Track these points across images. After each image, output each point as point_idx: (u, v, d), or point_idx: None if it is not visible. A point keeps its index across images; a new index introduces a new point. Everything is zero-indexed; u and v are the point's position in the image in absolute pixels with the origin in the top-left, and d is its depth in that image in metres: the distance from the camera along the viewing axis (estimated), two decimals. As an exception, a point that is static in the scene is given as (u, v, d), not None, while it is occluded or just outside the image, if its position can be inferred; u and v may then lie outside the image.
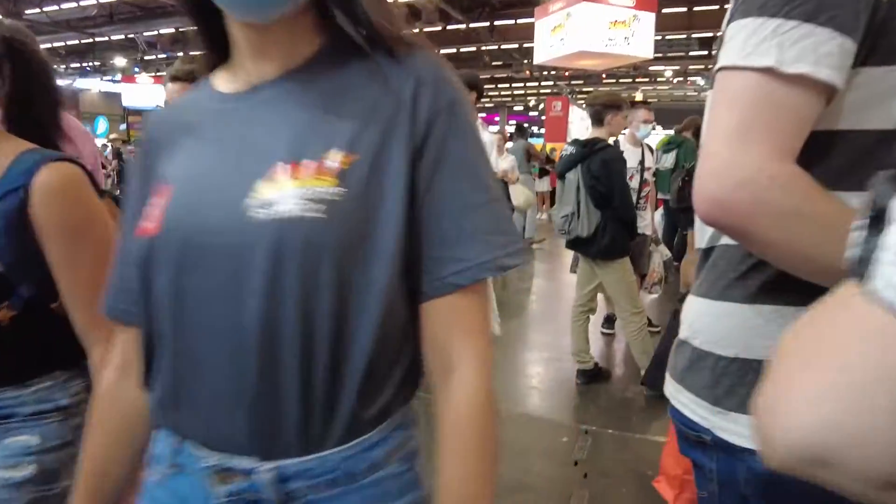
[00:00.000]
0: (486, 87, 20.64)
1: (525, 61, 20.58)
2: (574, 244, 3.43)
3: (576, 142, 3.38)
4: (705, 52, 19.19)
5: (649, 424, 3.05)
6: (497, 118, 32.54)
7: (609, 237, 3.25)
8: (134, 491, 0.72)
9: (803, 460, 0.32)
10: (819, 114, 0.65)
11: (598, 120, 3.34)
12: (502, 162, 6.25)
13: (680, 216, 5.58)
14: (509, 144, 10.92)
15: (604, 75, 20.76)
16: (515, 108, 32.24)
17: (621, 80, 24.45)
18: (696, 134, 5.70)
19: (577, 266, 4.21)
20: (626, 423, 3.09)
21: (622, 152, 3.34)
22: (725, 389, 0.79)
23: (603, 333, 4.52)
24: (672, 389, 0.94)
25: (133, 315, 0.68)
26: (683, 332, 0.94)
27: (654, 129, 4.15)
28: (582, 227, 3.27)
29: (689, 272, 5.45)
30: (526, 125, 16.22)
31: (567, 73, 22.51)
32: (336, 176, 0.59)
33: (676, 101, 25.71)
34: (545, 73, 22.81)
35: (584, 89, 24.89)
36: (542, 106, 15.42)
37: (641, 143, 4.06)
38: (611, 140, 3.34)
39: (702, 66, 20.40)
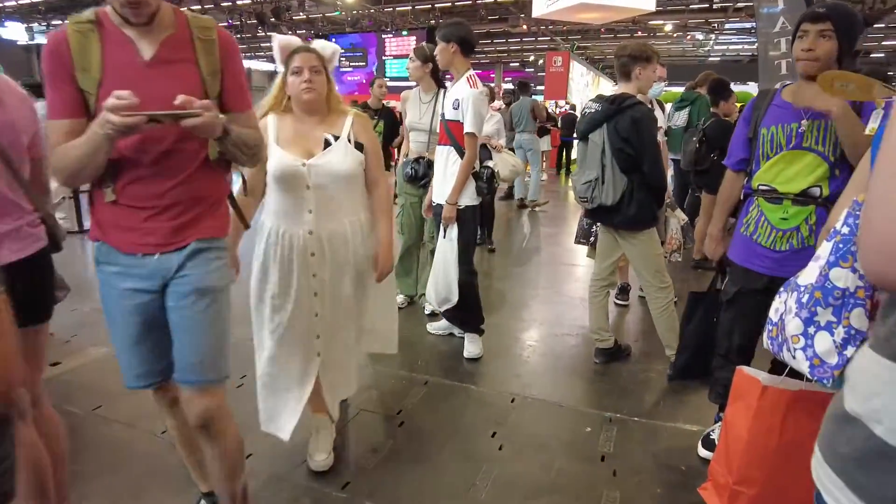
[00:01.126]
0: (481, 41, 19.87)
1: (521, 15, 19.77)
2: (596, 213, 3.05)
3: (601, 98, 2.96)
4: (706, 5, 18.43)
5: (678, 410, 2.75)
6: (493, 74, 31.59)
7: (636, 205, 2.87)
8: None
9: None
10: None
11: (625, 73, 2.91)
12: (486, 125, 5.64)
13: (693, 178, 5.17)
14: (499, 103, 10.36)
15: (602, 30, 19.95)
16: (511, 65, 31.24)
17: (619, 35, 23.59)
18: (713, 90, 5.24)
19: (586, 237, 3.85)
20: (654, 410, 2.78)
21: (653, 110, 2.92)
22: None
23: (617, 304, 4.19)
24: (823, 474, 0.69)
25: None
26: (854, 403, 0.67)
27: (665, 86, 3.72)
28: (606, 194, 2.89)
29: (703, 238, 5.03)
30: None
31: (565, 28, 21.67)
32: None
33: (674, 56, 24.89)
34: (542, 27, 21.97)
35: (582, 44, 24.04)
36: (540, 62, 14.74)
37: (652, 101, 3.65)
38: (640, 97, 2.92)
39: (702, 20, 19.62)
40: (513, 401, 2.83)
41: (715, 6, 18.26)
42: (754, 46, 23.39)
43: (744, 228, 2.24)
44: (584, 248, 4.27)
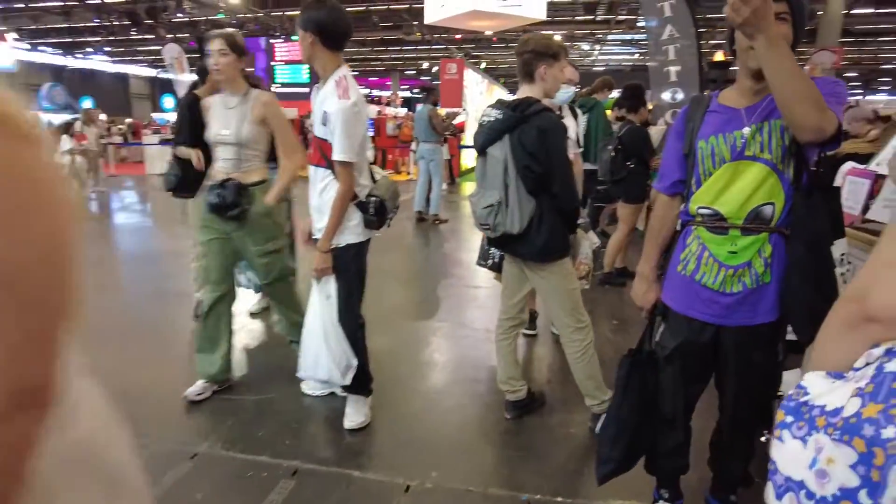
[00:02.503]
0: (375, 49, 19.25)
1: (415, 23, 19.32)
2: (500, 242, 2.46)
3: (501, 104, 2.38)
4: (591, 17, 18.87)
5: (608, 483, 2.21)
6: (389, 82, 30.96)
7: (547, 233, 2.32)
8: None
9: None
10: None
11: (527, 73, 2.35)
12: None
13: (611, 188, 4.81)
14: (400, 111, 9.78)
15: (494, 38, 19.91)
16: (408, 73, 30.76)
17: (510, 45, 23.77)
18: (629, 96, 4.88)
19: (486, 258, 3.29)
20: (579, 484, 2.22)
21: (562, 119, 2.38)
22: None
23: (524, 335, 3.67)
24: None
25: None
26: None
27: (577, 92, 3.23)
28: (511, 220, 2.31)
29: (614, 251, 4.44)
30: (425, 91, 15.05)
31: (458, 37, 21.46)
32: None
33: (562, 66, 25.47)
34: (436, 35, 21.65)
35: (475, 53, 23.99)
36: (434, 69, 14.29)
37: (561, 107, 3.15)
38: (546, 102, 2.37)
39: (587, 31, 20.11)
40: (407, 489, 2.17)
41: (598, 18, 18.76)
42: (635, 56, 24.51)
43: (681, 266, 1.73)
44: (484, 273, 3.72)
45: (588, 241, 3.24)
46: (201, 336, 2.79)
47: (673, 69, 7.06)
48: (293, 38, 19.12)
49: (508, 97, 2.46)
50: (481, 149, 2.41)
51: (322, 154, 2.30)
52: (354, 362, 2.46)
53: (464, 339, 3.72)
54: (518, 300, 2.62)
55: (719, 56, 10.47)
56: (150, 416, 2.61)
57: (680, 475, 1.96)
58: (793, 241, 1.59)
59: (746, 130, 1.58)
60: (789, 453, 0.78)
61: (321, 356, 2.44)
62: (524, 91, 2.37)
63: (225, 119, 2.66)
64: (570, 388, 2.70)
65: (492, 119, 2.34)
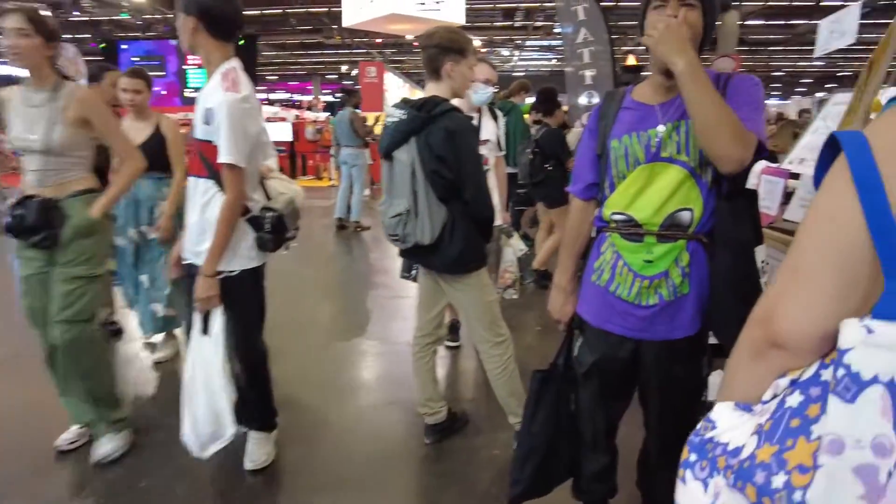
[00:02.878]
0: (295, 52, 18.62)
1: (335, 27, 18.87)
2: (412, 254, 2.25)
3: (406, 103, 2.17)
4: (509, 23, 19.09)
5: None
6: (310, 87, 30.19)
7: (460, 243, 2.13)
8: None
9: None
10: None
11: (433, 70, 2.16)
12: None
13: (531, 191, 4.72)
14: (321, 115, 9.41)
15: (415, 43, 19.74)
16: (329, 77, 30.09)
17: (432, 50, 23.68)
18: (543, 100, 4.82)
19: (411, 271, 3.07)
20: (503, 513, 2.05)
21: (471, 119, 2.20)
22: None
23: (447, 347, 3.48)
24: None
25: None
26: None
27: (495, 93, 3.06)
28: (422, 230, 2.10)
29: (548, 253, 4.26)
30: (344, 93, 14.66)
31: (379, 41, 21.17)
32: None
33: (483, 71, 25.69)
34: (357, 39, 21.24)
35: (397, 58, 23.77)
36: (354, 72, 13.94)
37: (480, 109, 2.98)
38: (455, 101, 2.18)
39: (506, 37, 20.35)
40: (313, 538, 1.91)
41: (517, 24, 19.02)
42: (553, 62, 25.10)
43: (595, 276, 1.58)
44: (409, 288, 3.50)
45: (512, 249, 3.10)
46: (57, 381, 2.31)
47: (588, 73, 7.12)
48: (205, 40, 18.15)
49: (418, 96, 2.26)
50: (386, 153, 2.19)
51: (203, 160, 2.00)
52: (227, 432, 2.04)
53: (385, 356, 3.48)
54: (435, 314, 2.42)
55: (631, 60, 10.78)
56: (13, 471, 2.21)
57: (608, 498, 1.82)
58: (717, 250, 1.47)
59: (661, 129, 1.46)
60: (690, 497, 0.68)
61: (194, 414, 2.04)
62: (431, 90, 2.18)
63: (29, 120, 2.13)
64: (494, 403, 2.51)
65: (396, 120, 2.13)
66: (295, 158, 13.30)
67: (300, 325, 3.94)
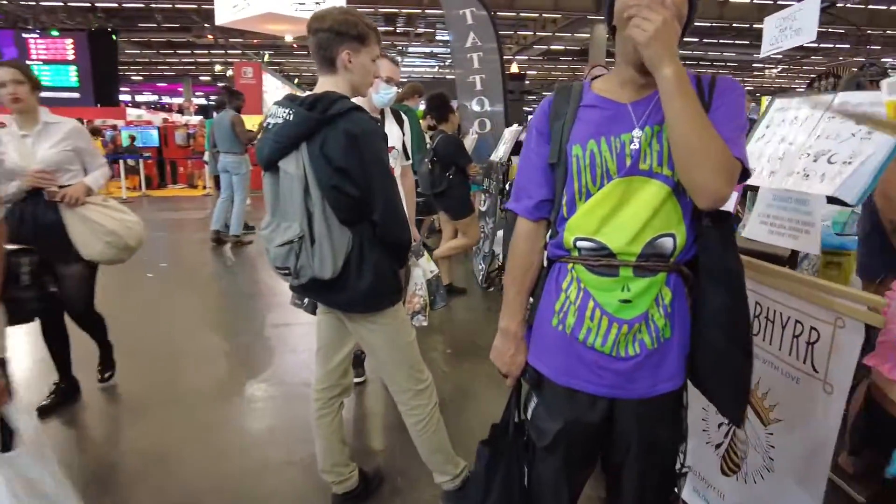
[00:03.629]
0: (162, 52, 17.03)
1: (207, 25, 17.41)
2: (309, 290, 1.76)
3: (292, 100, 1.67)
4: (390, 28, 18.71)
5: None
6: (181, 89, 27.84)
7: (370, 275, 1.68)
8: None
9: None
10: None
11: (326, 60, 1.68)
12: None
13: (435, 201, 4.34)
14: (193, 118, 8.47)
15: (295, 45, 18.75)
16: (202, 78, 27.91)
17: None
18: (436, 107, 4.47)
19: (301, 298, 2.55)
20: None
21: (375, 119, 1.75)
22: None
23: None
24: None
25: None
26: None
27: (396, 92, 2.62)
28: (322, 261, 1.62)
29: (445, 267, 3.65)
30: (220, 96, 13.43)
31: (256, 41, 19.85)
32: None
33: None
34: (232, 40, 19.76)
35: (275, 60, 22.49)
36: (229, 73, 12.80)
37: (382, 112, 2.55)
38: (361, 102, 1.73)
39: (388, 43, 19.93)
40: None
41: (398, 30, 18.70)
42: (435, 69, 25.11)
43: (556, 320, 1.21)
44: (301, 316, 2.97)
45: (422, 270, 2.68)
46: None
47: (478, 78, 6.90)
48: (52, 32, 15.98)
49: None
50: (269, 163, 1.68)
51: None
52: None
53: (278, 402, 2.92)
54: (339, 361, 1.94)
55: (514, 68, 10.84)
56: None
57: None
58: (704, 284, 1.15)
59: (637, 134, 1.12)
60: None
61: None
62: (324, 84, 1.70)
63: None
64: (412, 452, 2.08)
65: (280, 122, 1.63)
66: (164, 166, 11.97)
67: (171, 366, 3.25)
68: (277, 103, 1.69)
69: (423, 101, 5.03)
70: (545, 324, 1.24)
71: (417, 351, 1.87)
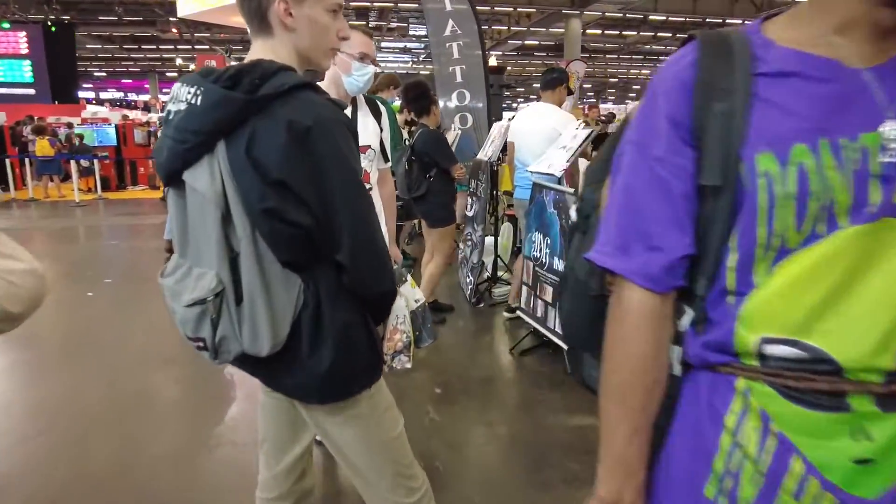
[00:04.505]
0: (126, 47, 15.99)
1: (172, 18, 16.44)
2: (241, 364, 1.13)
3: (205, 75, 1.03)
4: (363, 23, 17.98)
5: None
6: (147, 85, 26.58)
7: (332, 348, 1.05)
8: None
9: None
10: None
11: (257, 15, 1.05)
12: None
13: (414, 206, 3.73)
14: (154, 115, 7.72)
15: (265, 39, 17.83)
16: (168, 74, 26.66)
17: (284, 48, 21.77)
18: (414, 98, 3.84)
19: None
20: None
21: (338, 105, 1.11)
22: None
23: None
24: None
25: None
26: None
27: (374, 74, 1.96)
28: (253, 329, 1.00)
29: (430, 286, 3.19)
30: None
31: (223, 35, 18.88)
32: None
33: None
34: (198, 35, 18.75)
35: (243, 55, 21.47)
36: (191, 67, 11.94)
37: (355, 99, 1.91)
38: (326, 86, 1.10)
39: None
40: None
41: (371, 24, 17.96)
42: (409, 64, 24.38)
43: (715, 489, 0.61)
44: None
45: (404, 299, 2.05)
46: None
47: (458, 69, 6.27)
48: (3, 24, 14.83)
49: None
50: (168, 174, 1.04)
51: None
52: None
53: (219, 465, 2.26)
54: (293, 462, 1.31)
55: (492, 61, 10.24)
56: None
57: None
58: None
59: (894, 131, 0.52)
60: None
61: None
62: (256, 51, 1.07)
63: None
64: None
65: (183, 109, 0.99)
66: (123, 166, 11.07)
67: (123, 416, 2.57)
68: (183, 80, 1.05)
69: (398, 94, 4.38)
70: (684, 488, 0.64)
71: (406, 447, 1.25)
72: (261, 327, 1.01)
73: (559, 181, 2.97)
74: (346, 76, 1.77)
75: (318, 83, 1.07)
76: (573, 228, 0.84)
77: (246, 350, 1.03)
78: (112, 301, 4.35)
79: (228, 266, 1.00)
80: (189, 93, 0.98)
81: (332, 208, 1.00)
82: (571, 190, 2.73)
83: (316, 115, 0.98)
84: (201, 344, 1.05)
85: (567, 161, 2.76)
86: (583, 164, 3.10)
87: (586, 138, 2.81)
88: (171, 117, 1.03)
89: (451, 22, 6.12)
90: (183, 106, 0.99)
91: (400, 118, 4.64)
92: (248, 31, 1.11)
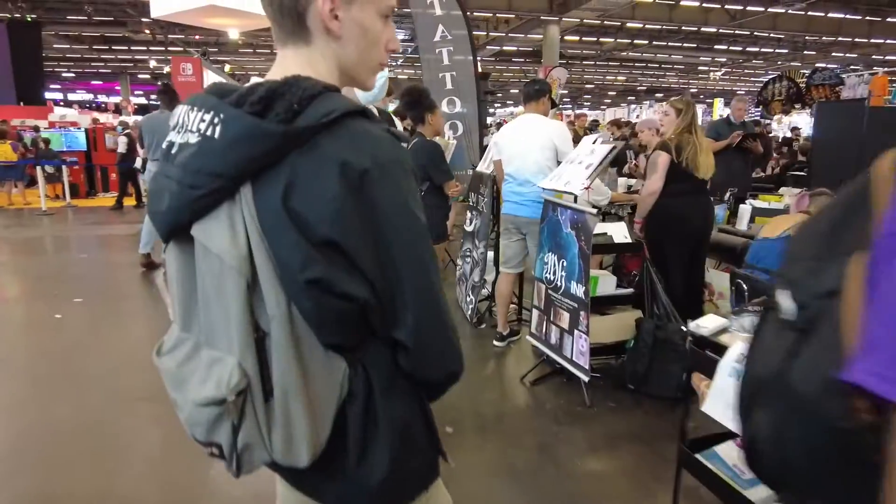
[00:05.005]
0: (96, 47, 15.39)
1: (144, 19, 15.85)
2: (284, 471, 0.87)
3: (220, 94, 0.76)
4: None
5: None
6: (118, 87, 25.71)
7: (387, 452, 0.80)
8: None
9: None
10: None
11: (291, 14, 0.79)
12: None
13: None
14: (129, 118, 7.34)
15: (241, 40, 17.36)
16: (141, 76, 25.82)
17: (259, 50, 21.25)
18: (412, 104, 3.54)
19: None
20: None
21: (400, 143, 0.86)
22: None
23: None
24: None
25: None
26: None
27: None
28: (289, 435, 0.74)
29: None
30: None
31: (198, 37, 18.29)
32: None
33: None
34: (171, 36, 18.12)
35: (219, 58, 20.86)
36: (166, 69, 11.44)
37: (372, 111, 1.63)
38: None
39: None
40: None
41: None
42: (392, 74, 24.02)
43: None
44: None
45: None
46: None
47: (448, 75, 6.05)
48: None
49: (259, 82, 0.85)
50: (171, 228, 0.77)
51: None
52: None
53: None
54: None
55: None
56: None
57: None
58: None
59: None
60: None
61: None
62: (287, 63, 0.81)
63: None
64: None
65: (194, 142, 0.73)
66: (93, 172, 10.54)
67: (96, 463, 2.25)
68: (192, 102, 0.78)
69: (391, 102, 4.11)
70: None
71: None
72: (297, 431, 0.75)
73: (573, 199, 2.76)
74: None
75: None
76: (783, 323, 0.60)
77: (278, 461, 0.76)
78: (83, 324, 3.98)
79: (254, 351, 0.74)
80: (203, 121, 0.72)
81: (395, 275, 0.75)
82: (594, 210, 2.52)
83: (374, 155, 0.73)
84: (216, 451, 0.78)
85: (588, 178, 2.54)
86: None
87: (608, 154, 2.60)
88: (174, 151, 0.76)
89: (440, 27, 5.90)
90: (194, 138, 0.73)
91: (400, 126, 4.38)
92: (274, 35, 0.85)
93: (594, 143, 2.77)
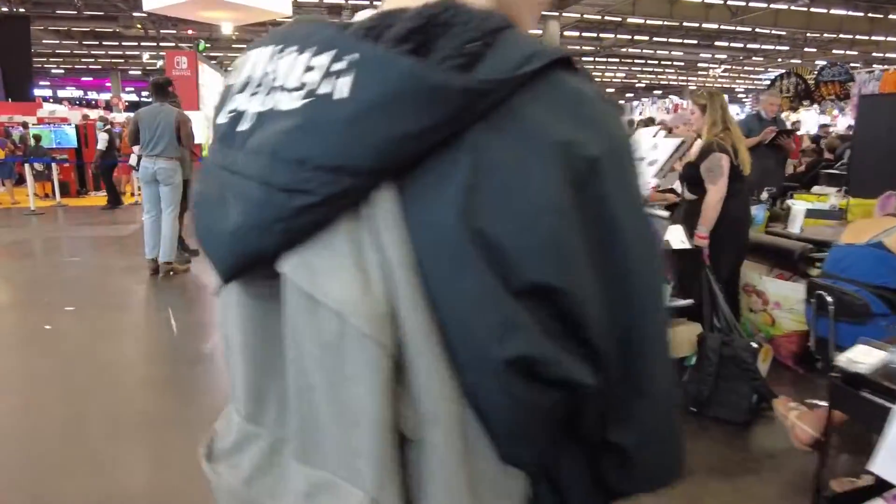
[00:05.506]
0: (86, 42, 14.99)
1: (135, 14, 15.43)
2: None
3: (339, 28, 0.46)
4: (335, 20, 17.20)
5: None
6: (109, 83, 25.16)
7: None
8: None
9: None
10: None
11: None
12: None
13: None
14: (120, 115, 6.98)
15: (234, 35, 16.90)
16: (132, 73, 25.24)
17: (254, 46, 20.78)
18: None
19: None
20: None
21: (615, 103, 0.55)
22: None
23: None
24: None
25: None
26: None
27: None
28: None
29: None
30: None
31: (191, 32, 17.84)
32: None
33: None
34: (164, 31, 17.66)
35: (213, 54, 20.39)
36: (160, 64, 11.00)
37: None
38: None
39: (336, 35, 18.36)
40: None
41: (346, 21, 17.27)
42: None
43: None
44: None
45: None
46: None
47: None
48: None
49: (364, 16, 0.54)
50: (243, 260, 0.45)
51: None
52: None
53: None
54: None
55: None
56: None
57: None
58: None
59: None
60: None
61: None
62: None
63: None
64: None
65: (289, 113, 0.41)
66: (84, 171, 10.13)
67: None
68: (274, 39, 0.46)
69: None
70: None
71: None
72: None
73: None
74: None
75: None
76: None
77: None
78: (75, 337, 3.61)
79: (398, 479, 0.42)
80: (311, 67, 0.40)
81: (632, 336, 0.44)
82: (665, 214, 2.22)
83: (609, 134, 0.42)
84: None
85: (654, 177, 2.24)
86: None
87: (676, 149, 2.29)
88: (244, 128, 0.44)
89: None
90: (290, 101, 0.41)
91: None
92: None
93: (654, 136, 2.47)
